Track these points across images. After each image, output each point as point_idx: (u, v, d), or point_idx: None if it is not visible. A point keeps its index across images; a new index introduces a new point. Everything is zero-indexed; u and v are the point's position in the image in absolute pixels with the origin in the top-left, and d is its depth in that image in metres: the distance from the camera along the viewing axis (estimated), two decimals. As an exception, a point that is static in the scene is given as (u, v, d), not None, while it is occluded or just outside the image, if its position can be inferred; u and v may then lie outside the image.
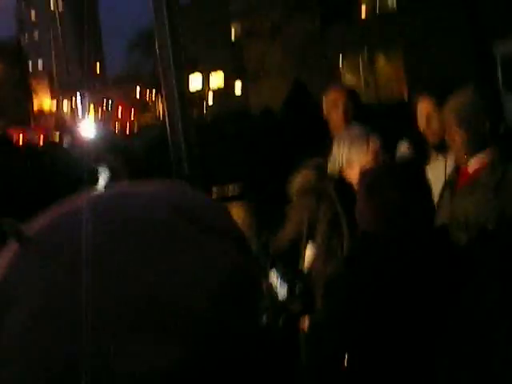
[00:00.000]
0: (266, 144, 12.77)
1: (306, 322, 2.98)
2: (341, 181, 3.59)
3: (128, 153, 14.61)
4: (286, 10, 20.43)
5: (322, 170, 3.69)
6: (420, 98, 3.89)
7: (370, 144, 3.54)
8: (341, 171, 3.60)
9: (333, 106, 4.38)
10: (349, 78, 27.36)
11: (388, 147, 3.94)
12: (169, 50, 3.65)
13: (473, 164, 3.20)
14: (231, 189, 16.64)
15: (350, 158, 3.54)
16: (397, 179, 2.51)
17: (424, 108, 3.84)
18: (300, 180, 3.72)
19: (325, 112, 4.47)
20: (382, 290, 2.30)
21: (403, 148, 4.08)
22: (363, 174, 2.66)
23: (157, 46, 3.74)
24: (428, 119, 3.80)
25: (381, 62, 29.65)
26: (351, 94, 4.53)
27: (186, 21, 44.00)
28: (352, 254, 2.74)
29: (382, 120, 5.49)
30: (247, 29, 23.59)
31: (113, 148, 14.00)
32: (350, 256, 2.79)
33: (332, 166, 3.63)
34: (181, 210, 0.73)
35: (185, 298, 0.66)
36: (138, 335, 0.64)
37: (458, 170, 3.35)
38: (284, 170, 4.05)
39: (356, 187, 3.33)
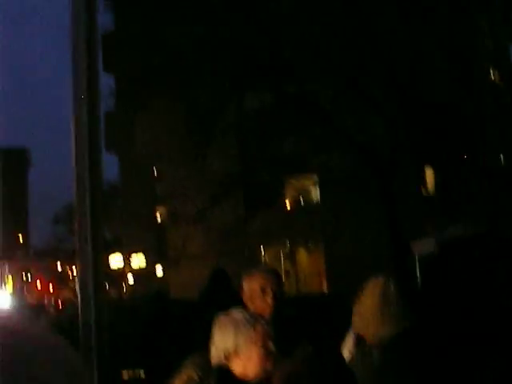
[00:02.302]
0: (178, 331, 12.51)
1: None
2: (226, 374, 3.28)
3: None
4: (211, 195, 20.82)
5: (202, 364, 3.37)
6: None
7: (259, 329, 3.27)
8: (226, 362, 3.30)
9: (259, 291, 4.14)
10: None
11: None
12: (87, 226, 3.57)
13: None
14: (137, 374, 16.18)
15: (237, 346, 3.25)
16: (315, 377, 2.35)
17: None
18: (182, 381, 3.37)
19: (245, 296, 4.22)
20: None
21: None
22: (280, 367, 2.45)
23: (76, 224, 3.68)
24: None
25: (302, 253, 30.19)
26: (278, 277, 4.33)
27: (114, 200, 44.54)
28: None
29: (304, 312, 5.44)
30: (171, 212, 23.88)
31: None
32: None
33: (214, 356, 3.33)
34: None
35: None
36: None
37: None
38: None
39: (242, 377, 3.23)
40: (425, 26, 18.68)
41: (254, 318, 3.36)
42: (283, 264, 30.57)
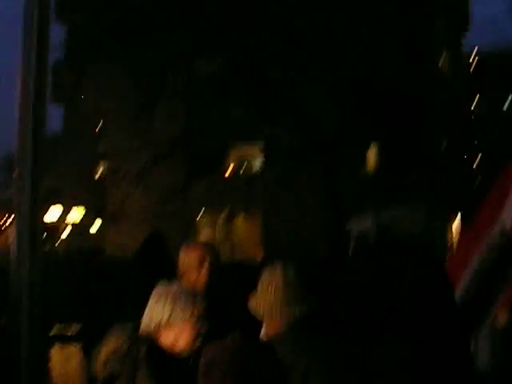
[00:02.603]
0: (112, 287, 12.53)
1: None
2: (155, 346, 3.28)
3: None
4: (153, 156, 20.71)
5: (131, 335, 3.32)
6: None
7: (195, 306, 3.30)
8: (156, 333, 3.30)
9: (195, 263, 4.21)
10: (205, 233, 27.70)
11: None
12: (26, 176, 3.53)
13: None
14: (71, 328, 16.16)
15: (171, 319, 3.26)
16: (236, 367, 2.32)
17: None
18: (108, 350, 3.30)
19: (182, 268, 4.25)
20: None
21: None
22: (206, 350, 2.47)
23: (15, 174, 3.64)
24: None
25: (240, 221, 30.33)
26: (215, 251, 4.38)
27: (58, 149, 43.95)
28: None
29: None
30: (112, 169, 23.69)
31: None
32: None
33: (146, 325, 3.33)
34: None
35: None
36: None
37: None
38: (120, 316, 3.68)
39: (172, 352, 3.27)
40: (377, 9, 18.82)
41: (193, 295, 3.38)
42: (220, 231, 30.68)
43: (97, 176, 35.67)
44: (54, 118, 50.42)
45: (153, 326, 3.30)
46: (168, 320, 3.27)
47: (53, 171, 43.40)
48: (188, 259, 4.27)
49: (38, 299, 3.64)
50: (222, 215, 29.52)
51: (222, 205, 27.34)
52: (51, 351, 14.80)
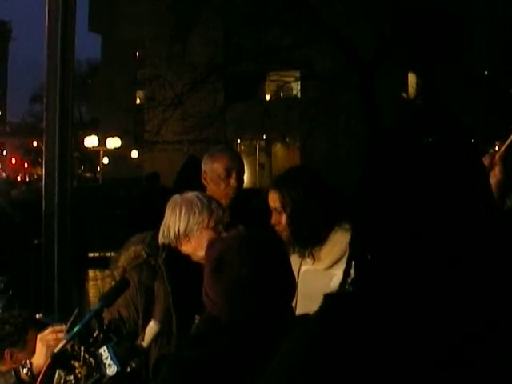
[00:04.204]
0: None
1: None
2: (174, 253, 3.24)
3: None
4: (191, 82, 20.63)
5: (151, 243, 3.31)
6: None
7: (212, 212, 3.23)
8: (176, 242, 3.25)
9: (224, 172, 4.04)
10: (244, 159, 27.76)
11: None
12: (56, 108, 3.55)
13: None
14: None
15: (188, 228, 3.20)
16: (249, 253, 2.21)
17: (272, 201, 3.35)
18: (129, 255, 3.29)
19: (209, 178, 4.09)
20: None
21: None
22: (210, 245, 2.34)
23: (44, 103, 3.64)
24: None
25: (278, 147, 30.29)
26: (242, 164, 4.20)
27: (94, 81, 44.02)
28: (197, 336, 2.41)
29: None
30: (149, 96, 23.66)
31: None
32: (193, 337, 2.46)
33: (165, 236, 3.28)
34: None
35: None
36: None
37: None
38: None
39: (194, 260, 3.20)
40: None
41: (209, 201, 3.30)
42: (258, 156, 30.71)
43: (135, 104, 35.79)
44: (93, 46, 50.47)
45: (172, 236, 3.25)
46: (184, 228, 3.22)
47: (91, 101, 43.67)
48: (214, 167, 4.08)
49: (68, 221, 3.72)
50: (260, 142, 29.53)
51: (259, 131, 27.28)
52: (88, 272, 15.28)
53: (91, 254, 16.54)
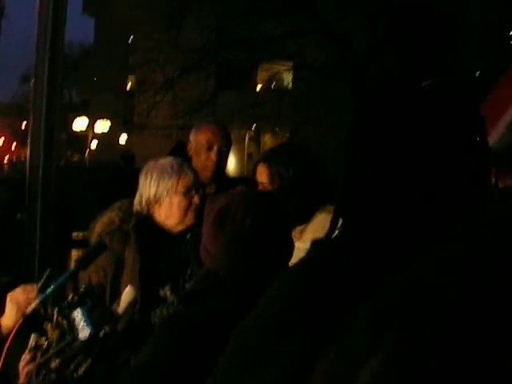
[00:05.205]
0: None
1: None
2: (145, 220, 3.20)
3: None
4: (182, 66, 20.59)
5: (128, 209, 3.28)
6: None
7: (182, 177, 3.20)
8: (148, 209, 3.22)
9: (205, 145, 4.01)
10: (232, 147, 27.71)
11: None
12: (43, 84, 3.53)
13: None
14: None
15: (158, 193, 3.16)
16: (253, 206, 2.18)
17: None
18: (103, 222, 3.30)
19: (193, 150, 4.05)
20: (215, 340, 1.90)
21: None
22: (211, 200, 2.30)
23: (32, 81, 3.64)
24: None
25: (267, 137, 30.26)
26: (227, 137, 4.14)
27: (88, 62, 43.79)
28: (193, 292, 2.33)
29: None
30: (140, 80, 23.59)
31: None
32: (188, 294, 2.40)
33: (138, 202, 3.26)
34: None
35: None
36: None
37: None
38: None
39: (165, 228, 3.20)
40: None
41: (182, 167, 3.26)
42: (247, 146, 30.66)
43: (126, 89, 35.67)
44: (86, 30, 50.19)
45: (144, 202, 3.22)
46: (155, 194, 3.19)
47: (83, 83, 43.49)
48: (197, 139, 4.07)
49: (52, 199, 3.71)
50: (250, 131, 29.47)
51: (249, 120, 27.25)
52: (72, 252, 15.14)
53: (75, 234, 16.41)
